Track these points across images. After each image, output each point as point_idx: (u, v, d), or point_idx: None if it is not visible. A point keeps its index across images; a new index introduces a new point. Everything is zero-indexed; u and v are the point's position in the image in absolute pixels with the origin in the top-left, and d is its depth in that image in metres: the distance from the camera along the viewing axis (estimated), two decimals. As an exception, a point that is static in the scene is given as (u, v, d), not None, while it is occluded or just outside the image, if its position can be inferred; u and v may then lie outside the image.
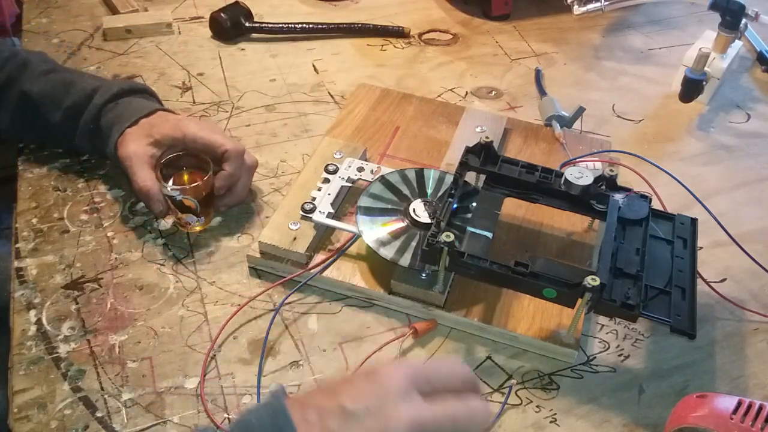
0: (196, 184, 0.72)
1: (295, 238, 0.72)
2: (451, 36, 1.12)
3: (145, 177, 0.73)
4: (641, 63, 1.08)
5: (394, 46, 1.09)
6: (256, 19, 1.08)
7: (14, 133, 0.84)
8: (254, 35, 1.08)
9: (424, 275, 0.69)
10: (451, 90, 1.01)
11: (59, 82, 0.80)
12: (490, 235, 0.68)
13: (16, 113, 0.81)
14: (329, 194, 0.74)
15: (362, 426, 0.46)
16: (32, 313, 0.68)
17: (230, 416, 0.61)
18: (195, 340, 0.67)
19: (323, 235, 0.74)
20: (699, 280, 0.68)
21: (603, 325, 0.71)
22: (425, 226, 0.70)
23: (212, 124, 0.87)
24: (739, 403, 0.56)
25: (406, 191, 0.74)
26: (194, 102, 0.95)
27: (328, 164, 0.78)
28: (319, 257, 0.72)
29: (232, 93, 0.97)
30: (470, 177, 0.73)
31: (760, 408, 0.55)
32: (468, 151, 0.73)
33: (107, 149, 0.76)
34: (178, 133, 0.74)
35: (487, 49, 1.10)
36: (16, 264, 0.72)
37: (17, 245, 0.74)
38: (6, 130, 0.82)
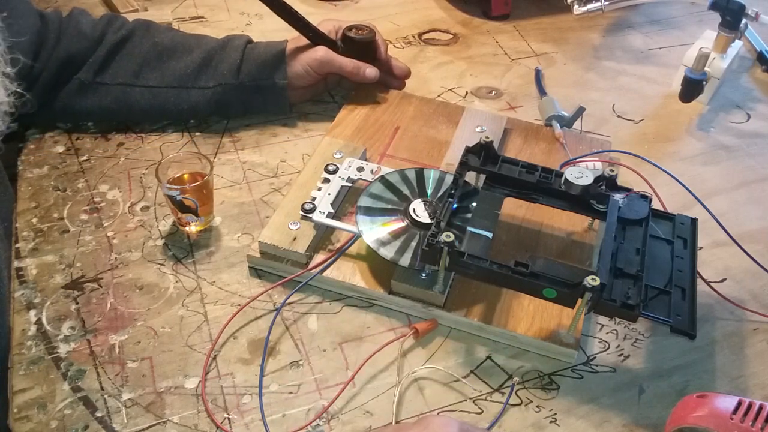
0: (196, 183, 0.73)
1: (295, 238, 0.72)
2: (451, 36, 1.12)
3: (346, 61, 0.89)
4: (641, 63, 1.08)
5: (394, 46, 1.09)
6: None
7: (129, 82, 0.86)
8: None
9: (424, 275, 0.69)
10: (451, 90, 1.01)
11: (187, 36, 0.90)
12: (490, 235, 0.68)
13: (145, 62, 0.86)
14: (329, 194, 0.74)
15: None
16: (32, 313, 0.68)
17: (230, 416, 0.61)
18: (195, 340, 0.67)
19: (323, 235, 0.74)
20: (699, 280, 0.68)
21: (603, 325, 0.71)
22: (425, 226, 0.70)
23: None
24: (739, 403, 0.56)
25: (406, 191, 0.74)
26: (194, 102, 0.95)
27: (328, 164, 0.78)
28: (319, 257, 0.72)
29: (232, 93, 0.97)
30: (470, 177, 0.73)
31: (760, 408, 0.55)
32: (468, 151, 0.73)
33: (272, 73, 0.87)
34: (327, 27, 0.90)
35: (487, 49, 1.09)
36: (16, 264, 0.72)
37: (17, 245, 0.74)
38: (125, 81, 0.86)
